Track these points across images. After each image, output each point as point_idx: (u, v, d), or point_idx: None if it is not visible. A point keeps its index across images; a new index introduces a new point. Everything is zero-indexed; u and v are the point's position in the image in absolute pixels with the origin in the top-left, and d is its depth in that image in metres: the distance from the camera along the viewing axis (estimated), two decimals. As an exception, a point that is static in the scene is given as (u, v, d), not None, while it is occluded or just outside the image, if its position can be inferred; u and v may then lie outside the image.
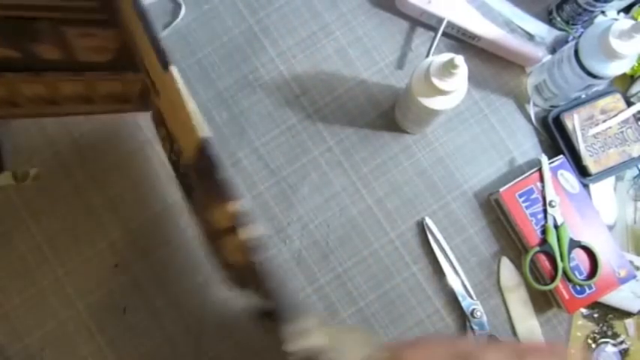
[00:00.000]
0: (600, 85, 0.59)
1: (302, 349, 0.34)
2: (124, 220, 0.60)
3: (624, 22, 0.49)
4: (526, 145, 0.63)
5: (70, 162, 0.61)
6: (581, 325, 0.60)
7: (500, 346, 0.42)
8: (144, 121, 0.61)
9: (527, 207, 0.58)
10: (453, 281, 0.60)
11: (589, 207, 0.59)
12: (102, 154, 0.61)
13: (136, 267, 0.60)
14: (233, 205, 0.35)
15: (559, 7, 0.61)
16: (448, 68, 0.47)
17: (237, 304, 0.60)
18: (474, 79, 0.63)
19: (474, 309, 0.59)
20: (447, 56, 0.47)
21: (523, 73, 0.63)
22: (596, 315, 0.61)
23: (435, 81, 0.48)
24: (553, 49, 0.63)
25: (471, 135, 0.63)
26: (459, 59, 0.46)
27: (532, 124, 0.63)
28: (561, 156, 0.59)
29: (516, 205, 0.58)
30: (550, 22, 0.64)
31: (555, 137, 0.61)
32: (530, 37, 0.63)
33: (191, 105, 0.37)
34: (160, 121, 0.50)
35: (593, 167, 0.59)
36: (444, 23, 0.60)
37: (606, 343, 0.60)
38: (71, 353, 0.59)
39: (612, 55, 0.50)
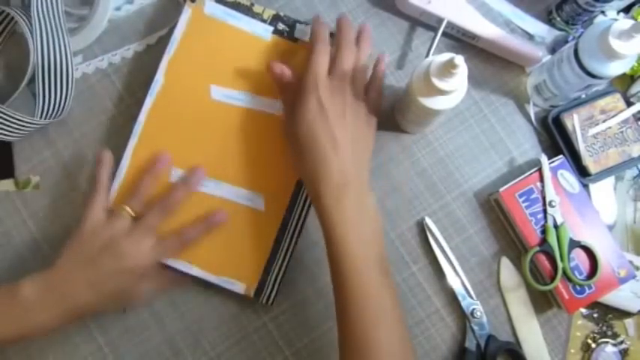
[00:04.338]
0: (600, 85, 0.59)
1: None
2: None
3: (624, 22, 0.49)
4: (526, 145, 0.63)
5: (70, 162, 0.61)
6: (581, 325, 0.60)
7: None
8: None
9: (527, 207, 0.58)
10: (453, 281, 0.60)
11: (589, 207, 0.59)
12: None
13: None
14: None
15: (559, 7, 0.62)
16: (448, 68, 0.47)
17: (238, 304, 0.60)
18: (473, 79, 0.63)
19: (473, 309, 0.59)
20: (446, 56, 0.47)
21: (523, 73, 0.64)
22: (596, 315, 0.61)
23: (435, 81, 0.48)
24: (553, 49, 0.63)
25: (471, 135, 0.63)
26: (459, 59, 0.46)
27: (532, 124, 0.63)
28: (561, 156, 0.59)
29: (516, 205, 0.58)
30: (550, 22, 0.64)
31: (555, 137, 0.61)
32: (530, 37, 0.63)
33: None
34: None
35: (593, 167, 0.59)
36: (444, 23, 0.60)
37: (606, 343, 0.60)
38: (71, 353, 0.59)
39: (612, 55, 0.50)
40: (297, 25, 0.60)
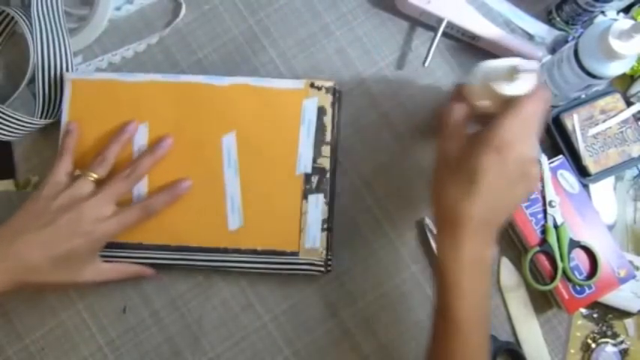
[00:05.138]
0: (600, 85, 0.59)
1: None
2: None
3: (624, 22, 0.49)
4: (526, 145, 0.63)
5: (70, 162, 0.61)
6: (581, 325, 0.60)
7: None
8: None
9: (526, 207, 0.58)
10: (453, 281, 0.60)
11: (589, 207, 0.59)
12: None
13: (136, 267, 0.60)
14: None
15: (559, 7, 0.62)
16: (512, 74, 0.46)
17: (238, 304, 0.60)
18: (473, 79, 0.63)
19: (473, 309, 0.59)
20: (508, 61, 0.47)
21: (523, 73, 0.63)
22: (595, 315, 0.61)
23: (497, 87, 0.47)
24: (553, 49, 0.63)
25: (471, 135, 0.63)
26: (524, 64, 0.46)
27: (532, 124, 0.63)
28: (561, 156, 0.59)
29: (516, 205, 0.58)
30: (550, 22, 0.64)
31: (555, 137, 0.61)
32: (530, 37, 0.63)
33: None
34: None
35: (592, 167, 0.59)
36: (444, 23, 0.60)
37: (606, 343, 0.60)
38: (71, 353, 0.59)
39: (612, 55, 0.50)
40: None
